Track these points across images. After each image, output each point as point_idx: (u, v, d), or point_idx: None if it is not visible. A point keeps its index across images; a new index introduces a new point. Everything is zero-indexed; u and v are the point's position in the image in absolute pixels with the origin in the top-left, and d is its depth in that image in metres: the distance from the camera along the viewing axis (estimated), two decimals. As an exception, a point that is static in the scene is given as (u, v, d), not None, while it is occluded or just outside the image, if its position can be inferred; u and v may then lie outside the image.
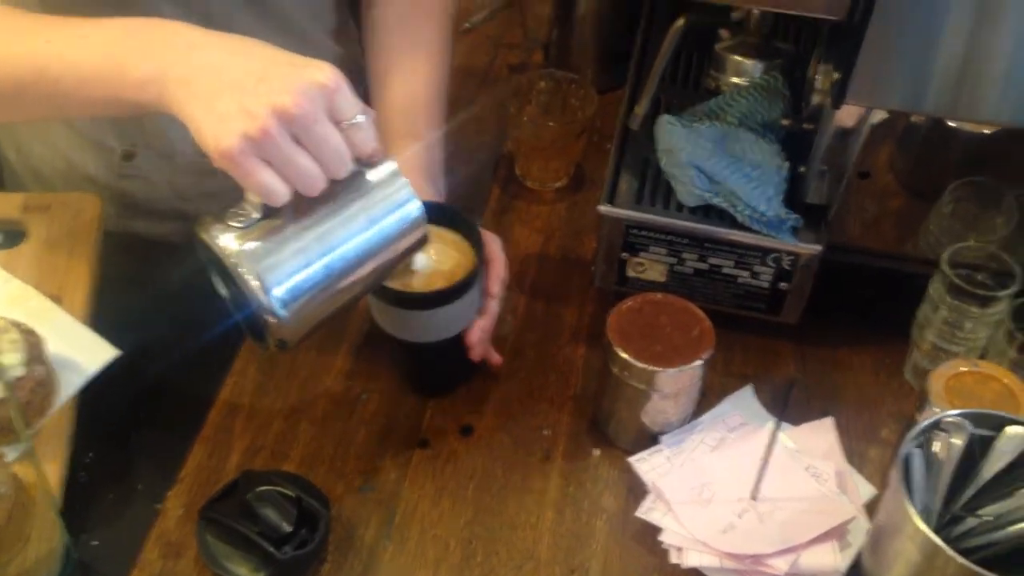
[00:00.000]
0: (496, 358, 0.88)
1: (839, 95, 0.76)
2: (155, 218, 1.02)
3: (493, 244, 0.87)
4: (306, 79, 0.64)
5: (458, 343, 0.85)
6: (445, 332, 0.83)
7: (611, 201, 0.90)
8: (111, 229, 0.97)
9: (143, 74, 0.67)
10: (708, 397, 0.88)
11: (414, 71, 0.96)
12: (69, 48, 0.71)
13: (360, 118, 0.67)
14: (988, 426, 0.73)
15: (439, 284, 0.80)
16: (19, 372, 0.76)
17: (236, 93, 0.64)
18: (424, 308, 0.81)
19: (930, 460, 0.72)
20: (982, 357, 0.85)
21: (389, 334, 0.84)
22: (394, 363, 0.90)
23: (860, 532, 0.77)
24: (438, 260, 0.82)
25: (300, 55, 0.67)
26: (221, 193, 0.69)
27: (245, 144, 0.63)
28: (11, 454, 0.77)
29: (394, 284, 0.79)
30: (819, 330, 0.94)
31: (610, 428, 0.86)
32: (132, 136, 0.97)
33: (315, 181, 0.66)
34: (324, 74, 0.65)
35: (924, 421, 0.72)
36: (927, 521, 0.68)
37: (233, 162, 0.64)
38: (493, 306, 0.85)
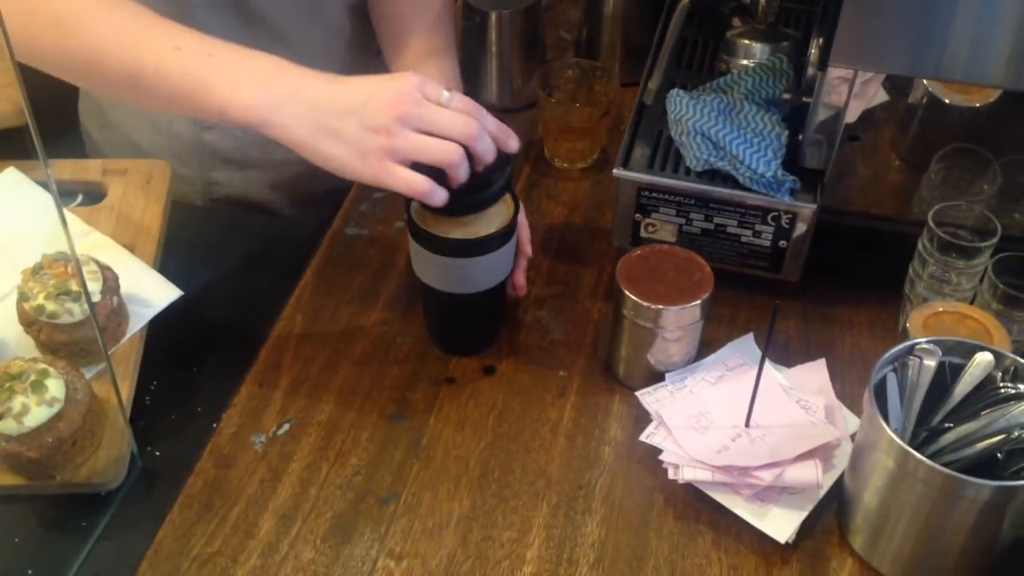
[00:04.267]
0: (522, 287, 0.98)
1: (824, 58, 0.84)
2: (233, 167, 1.16)
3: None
4: (396, 87, 0.79)
5: (490, 299, 0.93)
6: (481, 284, 0.90)
7: (625, 166, 0.99)
8: (194, 180, 1.11)
9: (250, 98, 0.79)
10: (713, 347, 0.95)
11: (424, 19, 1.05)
12: (193, 58, 0.81)
13: (447, 94, 0.81)
14: (959, 354, 0.79)
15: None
16: (96, 299, 0.87)
17: (353, 118, 0.78)
18: (467, 256, 0.87)
19: (903, 383, 0.79)
20: (967, 308, 0.92)
21: (426, 288, 0.92)
22: (426, 322, 0.98)
23: (844, 457, 0.84)
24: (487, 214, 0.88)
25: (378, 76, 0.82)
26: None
27: (385, 155, 0.77)
28: (88, 373, 0.88)
29: (439, 232, 0.86)
30: (820, 290, 1.01)
31: (620, 369, 0.94)
32: None
33: (453, 152, 0.78)
34: (406, 79, 0.80)
35: (898, 346, 0.79)
36: (901, 438, 0.75)
37: (385, 173, 0.78)
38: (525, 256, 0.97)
